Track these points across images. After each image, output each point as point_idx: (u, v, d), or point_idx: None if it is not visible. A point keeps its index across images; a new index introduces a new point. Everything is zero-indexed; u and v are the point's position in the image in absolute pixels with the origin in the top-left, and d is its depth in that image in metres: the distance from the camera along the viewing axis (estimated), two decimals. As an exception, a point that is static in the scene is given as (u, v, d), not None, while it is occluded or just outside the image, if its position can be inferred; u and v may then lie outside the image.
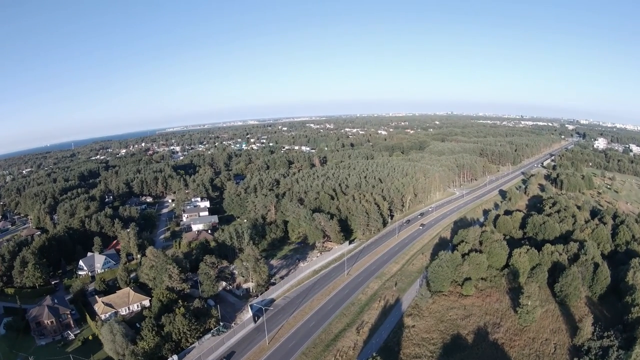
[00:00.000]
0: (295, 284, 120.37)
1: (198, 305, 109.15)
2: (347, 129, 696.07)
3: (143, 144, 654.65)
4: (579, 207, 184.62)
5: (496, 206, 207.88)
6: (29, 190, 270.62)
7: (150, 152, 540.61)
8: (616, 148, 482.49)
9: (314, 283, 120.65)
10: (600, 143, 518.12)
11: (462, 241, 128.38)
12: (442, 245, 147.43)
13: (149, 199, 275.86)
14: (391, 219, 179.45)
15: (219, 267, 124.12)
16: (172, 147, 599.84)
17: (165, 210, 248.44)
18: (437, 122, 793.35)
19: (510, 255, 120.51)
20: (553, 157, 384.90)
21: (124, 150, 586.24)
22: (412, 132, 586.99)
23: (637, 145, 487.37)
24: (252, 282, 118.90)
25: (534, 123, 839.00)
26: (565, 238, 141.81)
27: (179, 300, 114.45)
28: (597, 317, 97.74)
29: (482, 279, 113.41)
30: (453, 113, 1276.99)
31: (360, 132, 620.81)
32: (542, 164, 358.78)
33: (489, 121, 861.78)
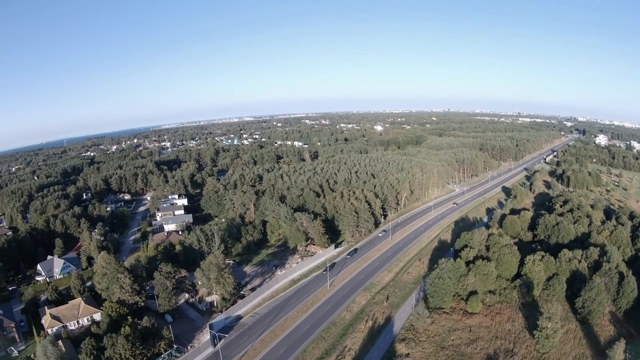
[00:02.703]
0: (269, 297, 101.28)
1: (147, 324, 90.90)
2: (342, 125, 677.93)
3: (135, 140, 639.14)
4: (592, 206, 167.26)
5: (500, 204, 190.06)
6: (7, 187, 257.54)
7: (141, 148, 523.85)
8: (618, 145, 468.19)
9: (291, 296, 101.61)
10: (602, 140, 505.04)
11: (466, 246, 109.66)
12: (442, 249, 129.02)
13: (127, 196, 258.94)
14: (384, 218, 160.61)
15: (176, 277, 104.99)
16: (163, 143, 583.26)
17: (142, 208, 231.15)
18: (435, 118, 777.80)
19: (522, 263, 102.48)
20: (555, 153, 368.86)
21: (115, 147, 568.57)
22: (408, 127, 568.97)
23: (639, 142, 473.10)
24: (216, 294, 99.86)
25: (532, 120, 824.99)
26: (581, 242, 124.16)
27: (129, 317, 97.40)
28: (624, 337, 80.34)
29: (490, 292, 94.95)
30: (450, 110, 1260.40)
31: (356, 128, 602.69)
32: (545, 159, 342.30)
33: (486, 118, 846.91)
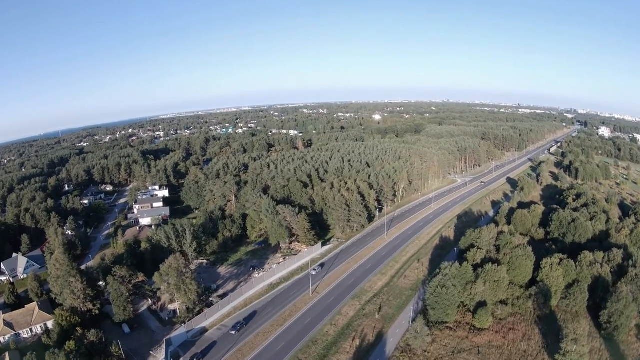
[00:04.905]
0: (241, 305, 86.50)
1: (94, 338, 76.82)
2: (339, 114, 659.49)
3: (130, 130, 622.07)
4: (606, 201, 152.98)
5: (506, 197, 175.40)
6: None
7: (134, 138, 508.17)
8: (622, 137, 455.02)
9: (267, 304, 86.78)
10: (604, 132, 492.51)
11: (472, 245, 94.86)
12: (445, 248, 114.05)
13: (109, 188, 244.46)
14: (379, 212, 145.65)
15: (133, 281, 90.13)
16: (157, 133, 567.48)
17: (123, 200, 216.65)
18: (434, 108, 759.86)
19: (536, 267, 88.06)
20: (560, 144, 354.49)
21: (109, 137, 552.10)
22: (407, 116, 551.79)
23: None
24: (179, 302, 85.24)
25: (532, 111, 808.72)
26: (600, 241, 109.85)
27: (78, 327, 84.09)
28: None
29: (501, 302, 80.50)
30: (449, 101, 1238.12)
31: (354, 117, 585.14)
32: (549, 150, 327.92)
33: (486, 108, 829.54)
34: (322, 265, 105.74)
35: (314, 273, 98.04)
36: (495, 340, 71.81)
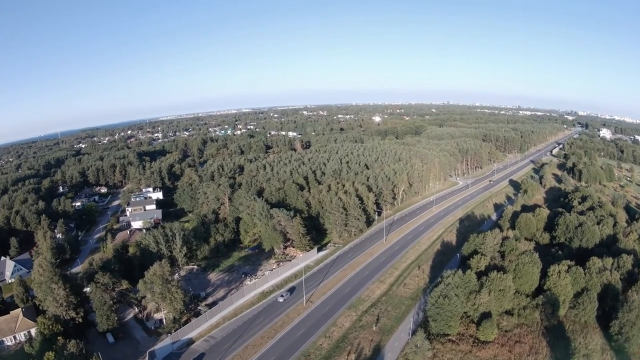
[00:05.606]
0: (230, 315, 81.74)
1: (73, 349, 72.23)
2: (339, 116, 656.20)
3: (129, 132, 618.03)
4: (613, 204, 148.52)
5: (509, 199, 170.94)
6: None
7: (133, 139, 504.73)
8: (624, 139, 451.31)
9: (258, 313, 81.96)
10: (605, 133, 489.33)
11: (476, 252, 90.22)
12: (446, 253, 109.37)
13: (104, 190, 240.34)
14: (378, 215, 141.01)
15: (116, 289, 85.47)
16: (155, 135, 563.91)
17: (116, 202, 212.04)
18: (434, 110, 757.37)
19: (543, 274, 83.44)
20: (561, 146, 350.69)
21: (107, 139, 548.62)
22: (407, 118, 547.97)
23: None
24: (164, 311, 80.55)
25: (532, 113, 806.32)
26: (607, 246, 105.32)
27: (59, 337, 79.81)
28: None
29: (506, 312, 75.79)
30: (449, 102, 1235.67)
31: (353, 119, 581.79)
32: (552, 152, 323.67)
33: (486, 110, 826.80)
34: (291, 290, 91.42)
35: (281, 300, 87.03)
36: (501, 354, 67.07)
